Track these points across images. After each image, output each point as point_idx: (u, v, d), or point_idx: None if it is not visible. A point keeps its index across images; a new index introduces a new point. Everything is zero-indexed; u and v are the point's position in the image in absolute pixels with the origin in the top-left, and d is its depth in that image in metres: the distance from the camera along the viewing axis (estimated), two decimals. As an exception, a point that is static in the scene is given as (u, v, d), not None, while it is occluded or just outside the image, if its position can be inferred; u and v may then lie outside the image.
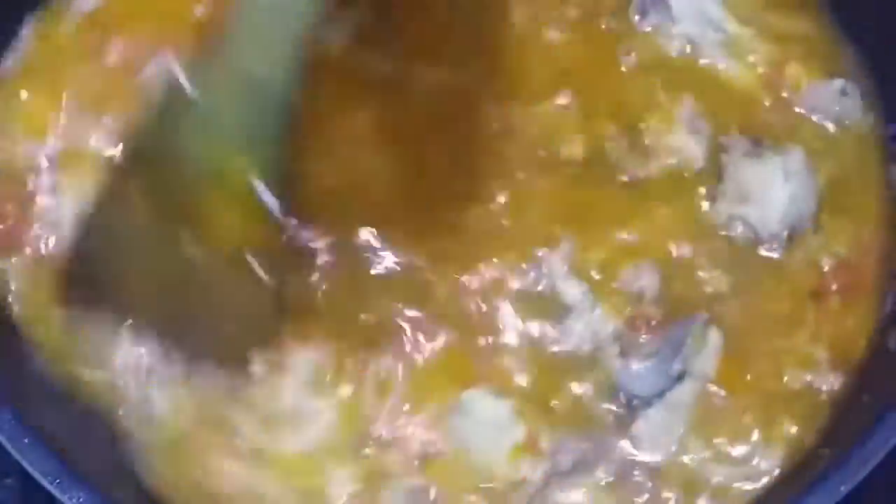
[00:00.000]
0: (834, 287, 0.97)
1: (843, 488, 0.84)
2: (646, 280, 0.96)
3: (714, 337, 0.95)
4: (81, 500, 0.84)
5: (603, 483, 0.92)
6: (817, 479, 0.86)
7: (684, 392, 0.94)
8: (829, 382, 0.95)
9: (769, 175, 0.98)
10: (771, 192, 0.97)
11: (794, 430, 0.94)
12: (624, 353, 0.94)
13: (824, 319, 0.97)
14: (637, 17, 1.04)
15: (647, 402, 0.93)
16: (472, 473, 0.92)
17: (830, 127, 1.02)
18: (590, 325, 0.95)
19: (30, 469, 0.85)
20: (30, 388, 0.95)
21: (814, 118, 1.02)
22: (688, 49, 1.03)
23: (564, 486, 0.92)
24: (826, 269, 0.98)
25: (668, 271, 0.96)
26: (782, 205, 0.97)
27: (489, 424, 0.93)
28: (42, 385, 0.96)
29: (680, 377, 0.94)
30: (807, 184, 0.98)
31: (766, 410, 0.95)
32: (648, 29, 1.03)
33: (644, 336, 0.95)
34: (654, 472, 0.93)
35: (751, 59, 1.03)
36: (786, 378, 0.95)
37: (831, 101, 1.02)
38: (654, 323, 0.95)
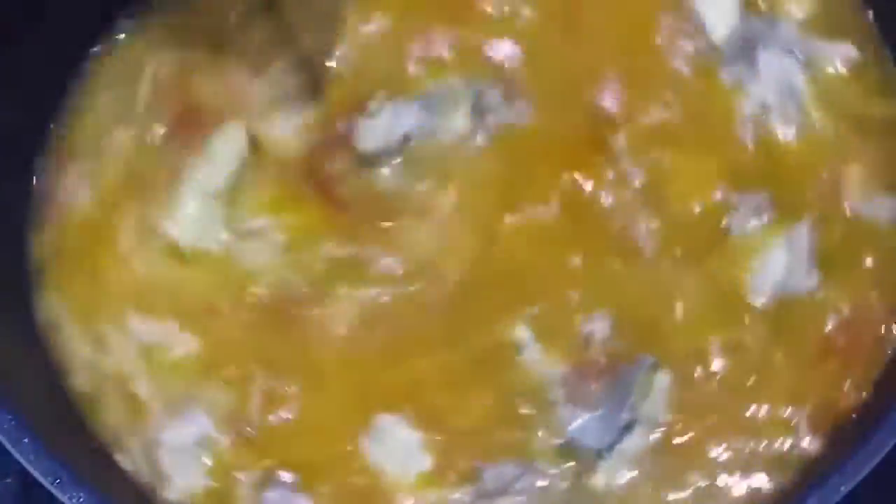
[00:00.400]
0: (835, 348, 0.95)
1: (843, 488, 0.84)
2: (597, 324, 0.94)
3: (661, 380, 0.93)
4: (81, 500, 0.84)
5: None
6: (817, 479, 0.86)
7: (634, 442, 0.93)
8: (806, 444, 0.94)
9: (771, 241, 0.96)
10: (769, 256, 0.96)
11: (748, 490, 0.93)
12: (571, 401, 0.93)
13: (814, 381, 0.95)
14: (721, 64, 1.00)
15: (598, 455, 0.92)
16: (381, 492, 0.93)
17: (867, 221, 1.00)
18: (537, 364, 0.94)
19: (30, 469, 0.85)
20: (30, 388, 0.95)
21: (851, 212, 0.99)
22: (758, 111, 0.99)
23: None
24: (827, 330, 0.96)
25: (640, 321, 0.95)
26: (777, 272, 0.96)
27: (399, 450, 0.93)
28: (42, 385, 0.96)
29: (629, 427, 0.92)
30: (808, 256, 0.96)
31: (726, 466, 0.93)
32: (727, 78, 1.00)
33: (593, 385, 0.93)
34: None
35: (817, 143, 0.99)
36: (761, 443, 0.93)
37: (878, 212, 0.98)
38: (601, 369, 0.93)
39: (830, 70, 1.01)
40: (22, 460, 0.85)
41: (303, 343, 0.96)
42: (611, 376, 0.93)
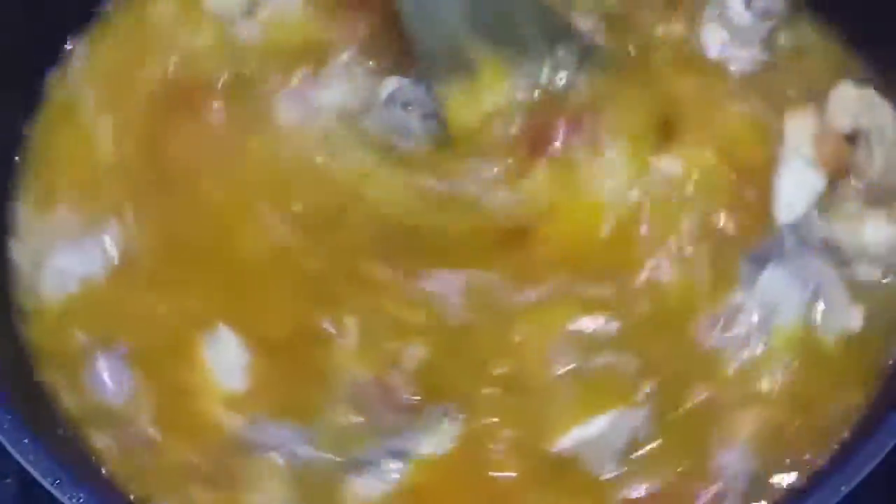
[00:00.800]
0: None
1: (843, 488, 0.83)
2: (413, 352, 0.94)
3: (449, 429, 0.92)
4: (81, 500, 0.84)
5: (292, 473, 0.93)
6: (817, 480, 0.86)
7: (392, 470, 0.92)
8: None
9: (601, 409, 0.92)
10: (593, 422, 0.92)
11: None
12: (355, 405, 0.93)
13: None
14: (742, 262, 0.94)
15: (362, 464, 0.92)
16: (198, 395, 0.95)
17: None
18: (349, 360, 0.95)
19: (30, 469, 0.85)
20: (30, 388, 0.95)
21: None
22: (726, 313, 0.94)
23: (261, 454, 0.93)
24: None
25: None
26: (587, 434, 0.92)
27: (228, 362, 0.95)
28: (42, 386, 0.96)
29: (399, 455, 0.92)
30: (624, 441, 0.92)
31: None
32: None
33: (380, 405, 0.93)
34: None
35: (747, 377, 0.93)
36: None
37: (733, 463, 0.91)
38: (396, 393, 0.93)
39: (840, 327, 0.93)
40: (22, 460, 0.85)
41: (186, 161, 1.00)
42: (401, 404, 0.93)
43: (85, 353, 0.95)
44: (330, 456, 0.92)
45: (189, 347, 0.95)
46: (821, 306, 0.94)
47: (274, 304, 0.96)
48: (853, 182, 0.96)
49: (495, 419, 0.93)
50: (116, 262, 0.98)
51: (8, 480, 1.06)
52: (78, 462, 0.92)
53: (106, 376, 0.95)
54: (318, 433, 0.93)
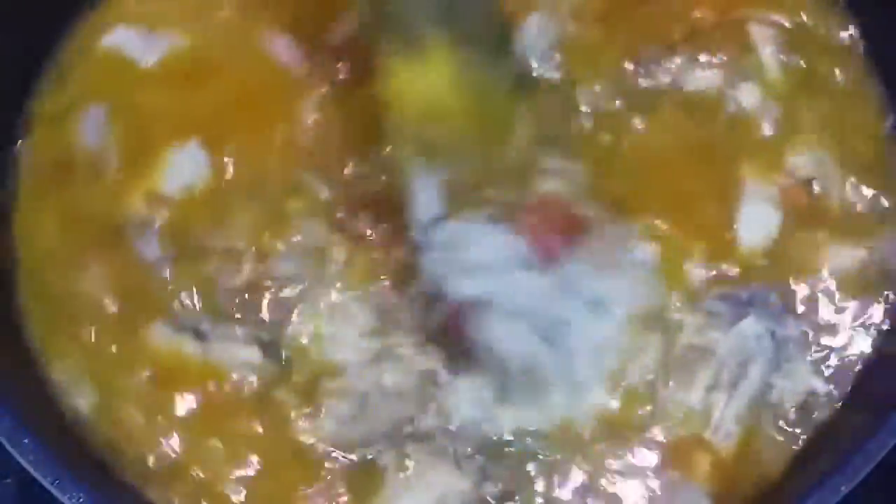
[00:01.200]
0: None
1: (843, 488, 0.84)
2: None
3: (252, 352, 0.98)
4: (81, 500, 0.84)
5: None
6: (817, 479, 0.86)
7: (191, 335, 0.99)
8: None
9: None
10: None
11: None
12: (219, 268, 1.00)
13: None
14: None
15: (184, 318, 0.98)
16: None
17: None
18: None
19: (30, 469, 0.85)
20: (30, 388, 0.95)
21: None
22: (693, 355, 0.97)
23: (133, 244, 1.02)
24: None
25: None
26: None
27: (180, 170, 1.03)
28: (42, 385, 0.96)
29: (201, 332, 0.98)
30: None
31: None
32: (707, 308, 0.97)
33: None
34: None
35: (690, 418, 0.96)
36: None
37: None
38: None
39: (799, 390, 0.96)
40: (22, 460, 0.85)
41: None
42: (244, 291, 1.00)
43: (85, 102, 1.06)
44: (171, 288, 0.99)
45: (166, 142, 1.04)
46: (785, 368, 0.96)
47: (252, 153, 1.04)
48: (816, 216, 1.02)
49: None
50: (163, 58, 1.07)
51: (8, 480, 1.06)
52: (78, 462, 0.92)
53: (91, 122, 1.05)
54: (183, 274, 1.00)
